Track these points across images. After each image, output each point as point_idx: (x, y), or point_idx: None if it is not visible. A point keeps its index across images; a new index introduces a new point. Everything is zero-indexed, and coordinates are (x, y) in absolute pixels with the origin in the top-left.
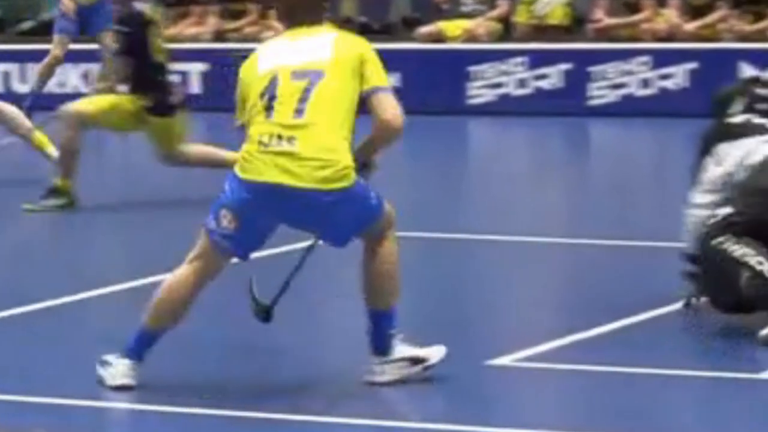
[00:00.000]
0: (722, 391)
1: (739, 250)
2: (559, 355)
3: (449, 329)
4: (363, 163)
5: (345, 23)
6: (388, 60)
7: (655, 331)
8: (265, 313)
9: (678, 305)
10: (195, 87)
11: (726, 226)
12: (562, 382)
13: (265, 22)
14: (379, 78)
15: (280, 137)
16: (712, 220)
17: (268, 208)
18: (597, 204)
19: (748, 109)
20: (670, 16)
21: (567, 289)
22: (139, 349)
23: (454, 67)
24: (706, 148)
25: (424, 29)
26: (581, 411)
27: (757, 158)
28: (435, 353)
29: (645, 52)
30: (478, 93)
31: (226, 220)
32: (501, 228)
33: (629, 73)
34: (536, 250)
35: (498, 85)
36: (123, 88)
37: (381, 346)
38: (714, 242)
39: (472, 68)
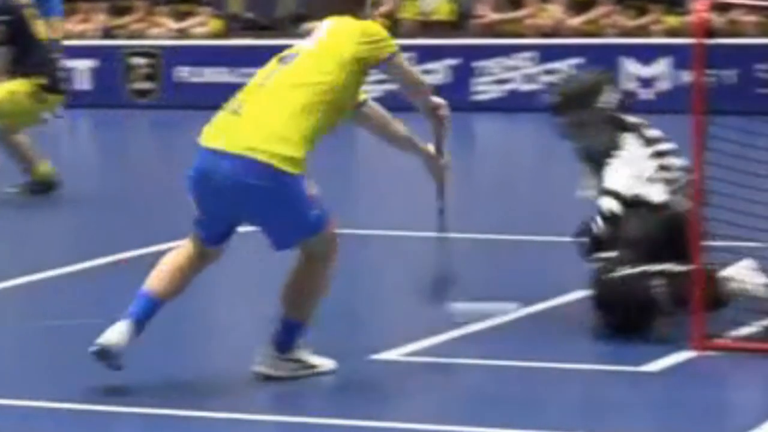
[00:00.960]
0: (608, 384)
1: (638, 268)
2: (446, 350)
3: (334, 324)
4: (432, 109)
5: (232, 19)
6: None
7: (541, 326)
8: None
9: (564, 299)
10: (83, 83)
11: (616, 263)
12: (449, 376)
13: (152, 18)
14: (385, 47)
15: (235, 101)
16: (599, 265)
17: (206, 177)
18: (481, 198)
19: (622, 106)
20: (555, 11)
21: (451, 283)
22: (143, 315)
23: None
24: (617, 125)
25: (311, 25)
26: (469, 405)
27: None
28: (327, 364)
29: (529, 47)
30: (365, 89)
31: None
32: (385, 223)
33: (514, 68)
34: (420, 244)
35: (384, 81)
36: (9, 76)
37: (283, 346)
38: (605, 278)
39: None
